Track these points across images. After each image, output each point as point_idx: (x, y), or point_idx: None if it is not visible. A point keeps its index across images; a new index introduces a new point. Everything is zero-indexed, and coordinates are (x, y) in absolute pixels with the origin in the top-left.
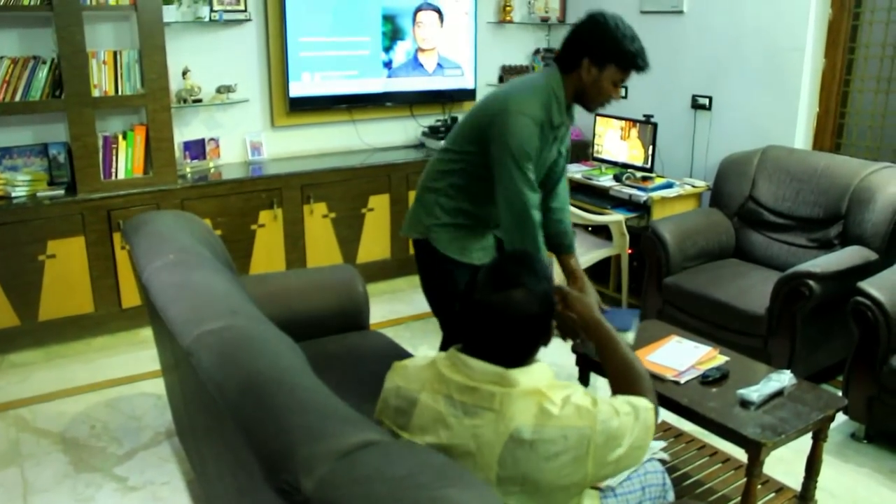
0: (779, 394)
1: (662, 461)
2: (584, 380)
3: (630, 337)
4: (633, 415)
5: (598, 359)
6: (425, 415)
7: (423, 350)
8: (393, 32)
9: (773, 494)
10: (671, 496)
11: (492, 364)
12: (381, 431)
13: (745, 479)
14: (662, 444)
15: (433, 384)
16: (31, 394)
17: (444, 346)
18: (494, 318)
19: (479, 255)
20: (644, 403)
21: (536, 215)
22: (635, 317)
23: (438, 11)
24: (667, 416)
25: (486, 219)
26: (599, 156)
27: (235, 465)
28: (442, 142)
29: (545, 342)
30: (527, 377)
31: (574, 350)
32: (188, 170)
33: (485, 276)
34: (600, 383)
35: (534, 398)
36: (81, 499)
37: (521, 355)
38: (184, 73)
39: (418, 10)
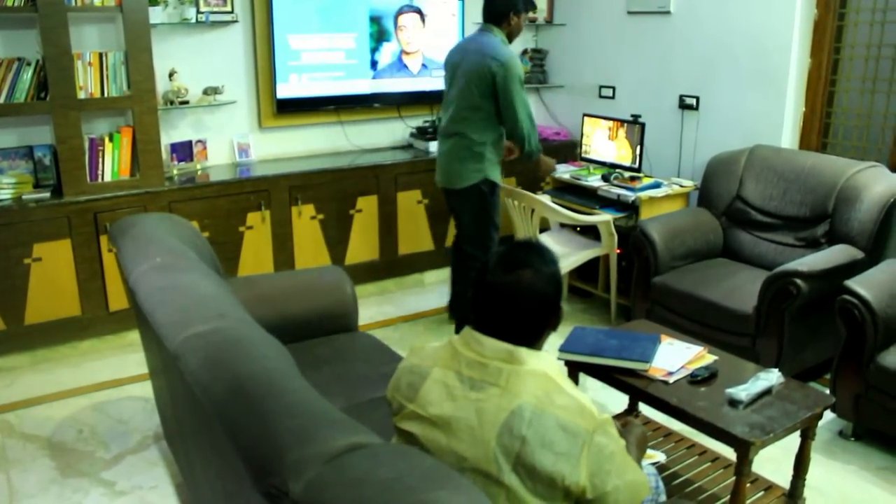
0: (767, 392)
1: (655, 464)
2: (572, 379)
3: (648, 368)
4: (631, 471)
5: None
6: (434, 388)
7: None
8: (379, 33)
9: (761, 493)
10: (663, 499)
11: (502, 341)
12: (370, 433)
13: (734, 478)
14: (663, 458)
15: (446, 360)
16: (18, 398)
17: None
18: (505, 297)
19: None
20: (643, 479)
21: None
22: (656, 344)
23: (419, 12)
24: (656, 415)
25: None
26: (587, 156)
27: (223, 468)
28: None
29: (554, 326)
30: (535, 359)
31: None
32: (175, 172)
33: (495, 260)
34: (590, 383)
35: (540, 381)
36: None
37: (531, 334)
38: (170, 75)
39: (399, 13)
